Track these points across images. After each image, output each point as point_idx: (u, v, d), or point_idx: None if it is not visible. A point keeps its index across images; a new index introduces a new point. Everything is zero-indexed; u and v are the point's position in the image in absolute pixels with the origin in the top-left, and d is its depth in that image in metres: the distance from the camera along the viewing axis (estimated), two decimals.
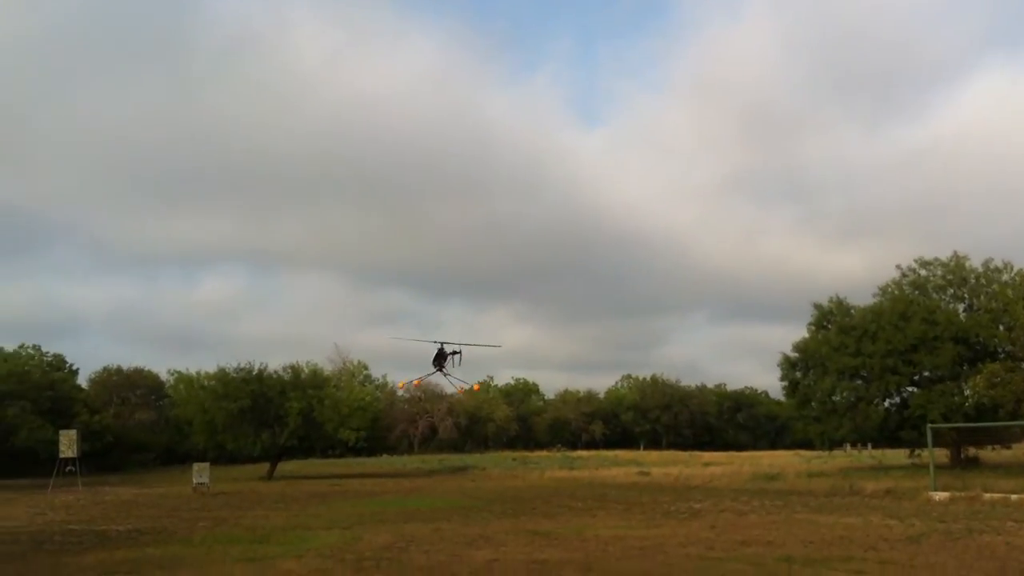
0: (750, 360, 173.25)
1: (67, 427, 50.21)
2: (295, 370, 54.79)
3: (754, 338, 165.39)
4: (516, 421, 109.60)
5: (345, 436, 53.55)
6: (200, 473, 40.22)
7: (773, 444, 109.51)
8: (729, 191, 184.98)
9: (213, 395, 52.19)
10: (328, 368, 63.39)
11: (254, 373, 53.49)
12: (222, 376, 53.54)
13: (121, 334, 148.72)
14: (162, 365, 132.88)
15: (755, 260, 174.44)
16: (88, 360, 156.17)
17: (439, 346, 7.98)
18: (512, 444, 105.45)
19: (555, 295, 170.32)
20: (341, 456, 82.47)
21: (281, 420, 52.30)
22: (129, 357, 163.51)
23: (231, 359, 59.71)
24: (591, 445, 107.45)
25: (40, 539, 21.27)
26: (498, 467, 60.39)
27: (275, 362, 55.17)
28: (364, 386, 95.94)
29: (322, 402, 51.66)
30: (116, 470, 66.70)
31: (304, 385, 53.08)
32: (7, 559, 17.75)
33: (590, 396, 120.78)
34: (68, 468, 43.33)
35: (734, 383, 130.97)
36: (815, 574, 14.38)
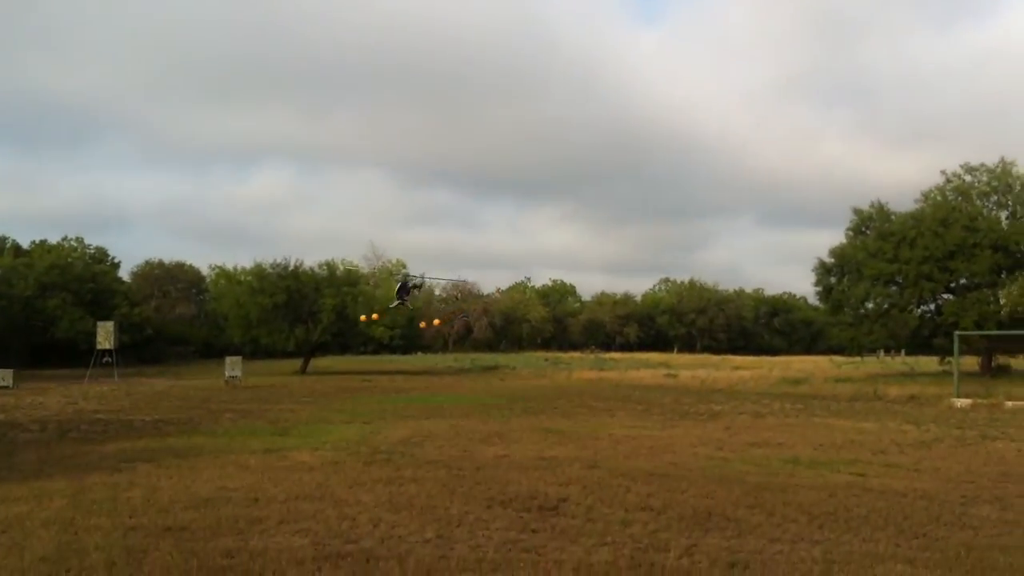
0: (793, 266, 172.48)
1: (107, 319, 51.10)
2: (330, 267, 55.18)
3: (799, 244, 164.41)
4: (551, 322, 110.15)
5: (377, 333, 54.04)
6: (232, 367, 40.84)
7: (808, 350, 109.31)
8: (787, 93, 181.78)
9: (249, 290, 52.75)
10: (363, 266, 63.67)
11: (290, 269, 53.93)
12: (258, 271, 54.03)
13: (168, 228, 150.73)
14: (207, 260, 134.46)
15: (809, 165, 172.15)
16: (134, 254, 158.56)
17: (403, 280, 8.06)
18: (546, 345, 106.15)
19: (601, 196, 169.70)
20: (376, 353, 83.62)
21: (315, 316, 52.83)
22: (175, 251, 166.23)
23: (276, 255, 60.03)
24: (625, 347, 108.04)
25: (67, 428, 21.76)
26: (529, 367, 60.85)
27: (317, 258, 55.43)
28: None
29: (356, 299, 52.03)
30: (155, 362, 68.05)
31: (339, 282, 53.45)
32: (31, 446, 18.18)
33: (626, 299, 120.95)
34: (105, 359, 44.17)
35: (775, 289, 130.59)
36: (817, 475, 14.38)
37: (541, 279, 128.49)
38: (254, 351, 67.39)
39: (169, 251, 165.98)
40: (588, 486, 13.12)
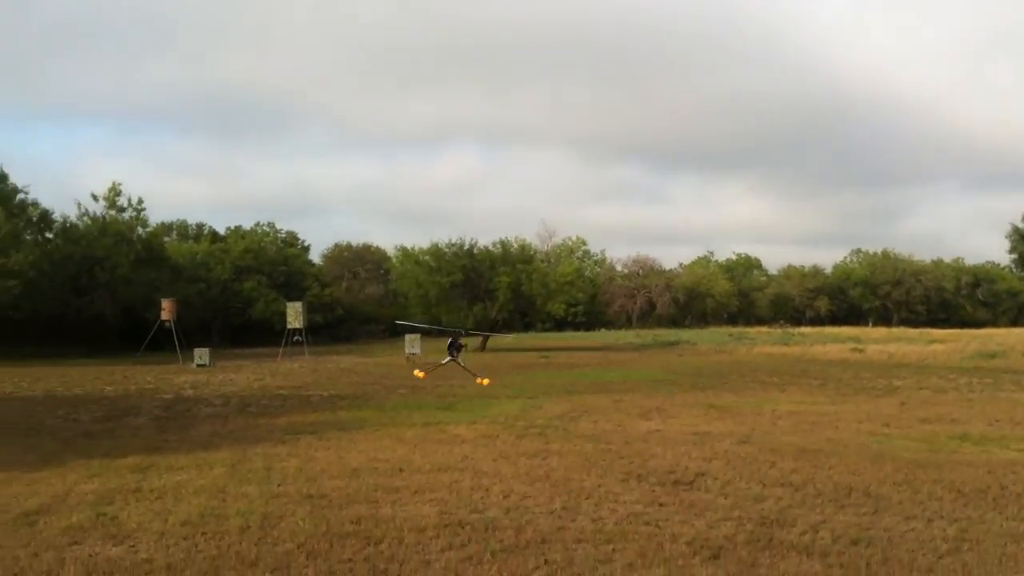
0: (998, 234, 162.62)
1: (299, 300, 53.44)
2: (504, 245, 55.85)
3: (1006, 210, 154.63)
4: (736, 297, 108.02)
5: (554, 310, 54.46)
6: (412, 344, 41.95)
7: (1014, 322, 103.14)
8: (993, 49, 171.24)
9: (427, 270, 54.02)
10: (536, 244, 64.12)
11: (465, 248, 54.93)
12: (435, 251, 55.27)
13: (358, 212, 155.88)
14: (395, 241, 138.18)
15: (1018, 125, 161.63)
16: (325, 238, 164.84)
17: (456, 334, 8.03)
18: (732, 320, 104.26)
19: (790, 166, 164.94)
20: (560, 330, 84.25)
21: (491, 294, 53.66)
22: (365, 234, 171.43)
23: (461, 235, 61.13)
24: (815, 322, 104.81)
25: (247, 402, 22.93)
26: (710, 343, 59.90)
27: (502, 237, 56.07)
28: (583, 261, 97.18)
29: (530, 277, 52.53)
30: (347, 341, 70.62)
31: (513, 260, 54.06)
32: (209, 420, 19.26)
33: (816, 271, 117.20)
34: (296, 338, 46.12)
35: (975, 259, 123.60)
36: (982, 452, 13.65)
37: (725, 253, 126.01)
38: (434, 329, 69.14)
39: (359, 234, 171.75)
40: (732, 461, 12.90)
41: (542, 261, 57.95)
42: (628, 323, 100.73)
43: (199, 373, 35.06)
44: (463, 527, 8.93)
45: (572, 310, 67.62)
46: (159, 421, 19.04)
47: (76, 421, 18.96)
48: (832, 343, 56.68)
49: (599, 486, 11.14)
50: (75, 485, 11.44)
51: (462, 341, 6.44)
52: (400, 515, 9.54)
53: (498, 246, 55.77)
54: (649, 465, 12.57)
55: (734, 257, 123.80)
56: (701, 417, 18.50)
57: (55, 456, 14.00)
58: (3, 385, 28.90)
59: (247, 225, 77.98)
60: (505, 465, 12.72)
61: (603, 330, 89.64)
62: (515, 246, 56.54)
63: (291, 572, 7.43)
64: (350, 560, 7.78)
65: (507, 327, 70.49)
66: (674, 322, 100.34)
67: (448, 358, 6.35)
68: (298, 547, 8.22)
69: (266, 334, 59.68)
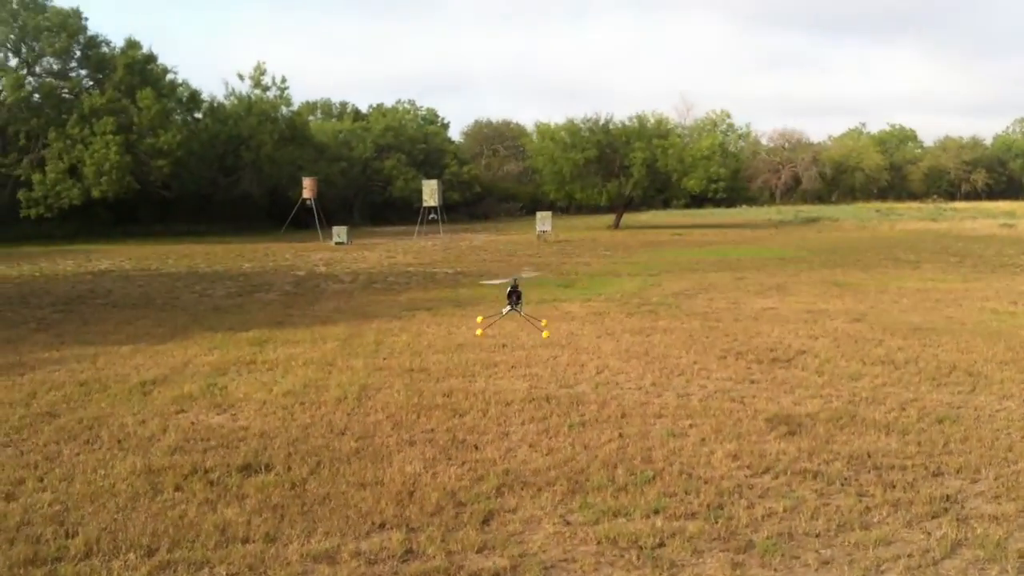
0: None
1: (439, 178, 54.08)
2: (640, 120, 54.90)
3: None
4: (888, 170, 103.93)
5: (690, 186, 53.57)
6: (543, 221, 42.10)
7: None
8: None
9: (562, 146, 53.66)
10: (674, 118, 62.67)
11: (600, 124, 54.26)
12: (571, 127, 54.77)
13: (502, 88, 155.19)
14: (537, 118, 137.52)
15: None
16: (466, 115, 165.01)
17: (514, 281, 7.73)
18: (883, 195, 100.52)
19: (960, 28, 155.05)
20: (699, 206, 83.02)
21: (626, 170, 53.08)
22: (507, 111, 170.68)
23: (604, 110, 60.16)
24: (972, 196, 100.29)
25: (374, 279, 23.60)
26: (854, 219, 58.18)
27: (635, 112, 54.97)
28: (726, 135, 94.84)
29: (666, 152, 51.63)
30: (486, 218, 71.33)
31: (649, 135, 53.15)
32: (335, 296, 19.95)
33: (975, 143, 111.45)
34: (431, 216, 46.79)
35: None
36: None
37: (879, 125, 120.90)
38: (569, 206, 69.14)
39: (502, 112, 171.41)
40: (839, 339, 12.71)
41: (679, 136, 56.67)
42: (772, 199, 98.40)
43: (336, 250, 36.10)
44: (549, 401, 9.12)
45: (713, 186, 66.23)
46: (287, 296, 19.82)
47: (210, 296, 19.90)
48: (984, 218, 54.40)
49: (695, 363, 11.16)
50: (195, 357, 12.10)
51: (520, 288, 6.36)
52: (491, 389, 9.79)
53: (634, 121, 54.84)
54: (752, 343, 12.50)
55: (888, 129, 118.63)
56: (821, 295, 18.17)
57: (183, 330, 14.79)
58: (149, 262, 30.45)
59: (388, 103, 78.82)
60: (607, 342, 12.84)
61: (744, 207, 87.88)
62: (651, 121, 55.50)
63: (375, 440, 7.76)
64: (432, 430, 8.08)
65: (644, 204, 69.90)
66: (820, 198, 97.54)
67: (508, 307, 6.33)
68: (387, 417, 8.56)
69: (405, 212, 60.66)
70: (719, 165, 60.74)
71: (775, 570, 5.03)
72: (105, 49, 49.51)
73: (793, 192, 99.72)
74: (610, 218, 55.76)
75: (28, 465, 7.13)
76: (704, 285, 20.52)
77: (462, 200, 70.48)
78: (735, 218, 65.18)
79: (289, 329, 14.69)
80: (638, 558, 5.20)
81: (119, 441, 7.86)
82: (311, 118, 72.01)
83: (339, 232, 41.00)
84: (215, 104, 56.56)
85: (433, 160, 69.78)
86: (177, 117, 51.95)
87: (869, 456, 7.08)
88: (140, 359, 12.03)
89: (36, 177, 44.27)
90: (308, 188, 46.53)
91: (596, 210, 65.08)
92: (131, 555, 5.30)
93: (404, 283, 22.49)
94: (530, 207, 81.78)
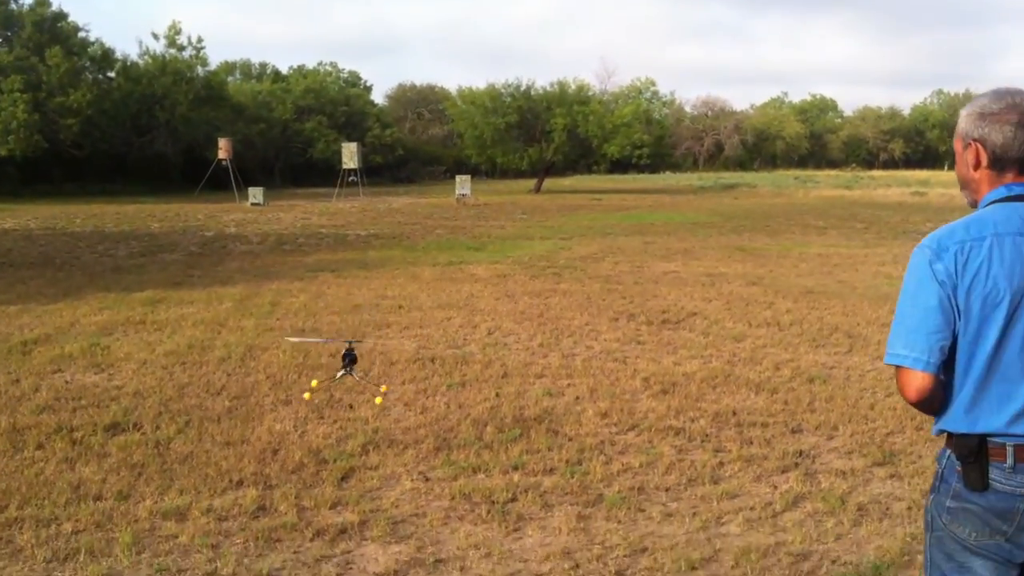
0: None
1: (361, 141, 53.55)
2: (561, 86, 54.94)
3: None
4: (808, 139, 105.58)
5: (610, 152, 53.83)
6: (462, 185, 42.00)
7: None
8: None
9: (483, 111, 53.51)
10: (595, 84, 62.63)
11: (522, 89, 54.18)
12: (491, 92, 54.60)
13: (430, 53, 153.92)
14: (464, 84, 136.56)
15: None
16: (391, 79, 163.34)
17: (349, 345, 7.48)
18: (803, 163, 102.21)
19: (884, 4, 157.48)
20: (624, 172, 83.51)
21: (547, 136, 53.14)
22: (433, 77, 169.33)
23: (528, 77, 59.99)
24: (889, 165, 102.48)
25: (284, 241, 23.36)
26: (772, 186, 58.99)
27: (558, 78, 54.92)
28: (650, 103, 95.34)
29: (586, 118, 51.75)
30: (408, 182, 70.84)
31: (570, 100, 53.22)
32: (241, 256, 19.73)
33: (892, 113, 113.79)
34: (351, 178, 46.36)
35: None
36: None
37: (801, 95, 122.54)
38: (500, 171, 69.05)
39: (428, 76, 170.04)
40: (731, 302, 12.93)
41: (600, 102, 56.80)
42: (695, 166, 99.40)
43: (250, 212, 35.63)
44: (433, 361, 9.14)
45: (637, 152, 66.50)
46: (191, 257, 19.54)
47: (111, 257, 19.54)
48: (898, 186, 55.53)
49: (587, 324, 11.27)
50: (83, 317, 11.88)
51: (356, 352, 6.27)
52: (379, 349, 9.78)
53: (555, 87, 54.86)
54: (647, 305, 12.65)
55: (809, 98, 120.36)
56: (724, 260, 18.44)
57: (77, 290, 14.51)
58: (56, 221, 29.75)
59: (310, 65, 77.67)
60: (505, 304, 12.90)
61: (668, 172, 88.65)
62: (572, 87, 55.55)
63: (249, 400, 7.71)
64: (312, 389, 8.04)
65: (569, 169, 70.09)
66: (742, 165, 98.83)
67: (341, 371, 6.21)
68: (267, 378, 8.51)
69: (327, 174, 59.99)
70: (642, 132, 61.09)
71: (619, 522, 5.12)
72: (13, 6, 48.08)
73: (716, 159, 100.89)
74: (533, 183, 55.82)
75: None
76: (612, 249, 20.69)
77: (385, 163, 69.97)
78: (656, 183, 65.64)
79: (186, 290, 14.50)
80: (488, 512, 5.25)
81: None
82: (230, 78, 70.62)
83: (255, 193, 40.48)
84: (128, 63, 55.17)
85: (355, 123, 69.08)
86: (88, 76, 50.60)
87: (734, 414, 7.23)
88: (26, 319, 11.78)
89: None
90: (223, 149, 45.79)
91: (520, 175, 65.10)
92: None
93: (314, 245, 22.31)
94: (455, 171, 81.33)
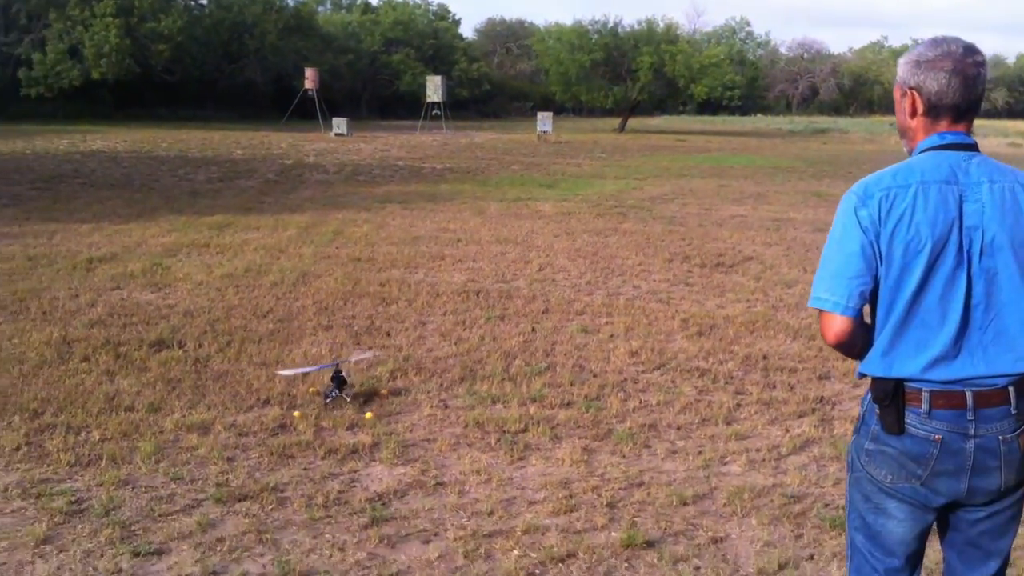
0: None
1: (447, 74, 53.61)
2: (649, 24, 54.08)
3: None
4: None
5: (697, 93, 53.00)
6: (543, 122, 41.81)
7: None
8: None
9: (569, 47, 53.01)
10: (684, 24, 61.51)
11: (608, 27, 53.48)
12: (578, 29, 54.01)
13: None
14: (557, 18, 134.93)
15: None
16: (479, 13, 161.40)
17: (336, 366, 7.11)
18: None
19: None
20: (714, 113, 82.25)
21: (633, 74, 52.48)
22: (527, 10, 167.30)
23: (629, 14, 59.14)
24: (992, 115, 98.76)
25: (359, 171, 23.64)
26: (865, 132, 57.58)
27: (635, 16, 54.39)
28: (744, 43, 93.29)
29: (673, 57, 50.93)
30: (494, 117, 70.83)
31: (658, 39, 52.40)
32: (314, 185, 20.05)
33: (996, 61, 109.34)
34: (434, 112, 46.48)
35: None
36: None
37: (902, 40, 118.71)
38: (587, 109, 68.57)
39: (524, 11, 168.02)
40: (791, 248, 12.82)
41: (688, 42, 55.77)
42: (788, 109, 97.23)
43: (332, 142, 36.05)
44: (478, 295, 9.27)
45: (728, 93, 65.30)
46: (267, 184, 19.92)
47: (190, 181, 20.02)
48: (995, 136, 53.73)
49: (639, 264, 11.27)
50: (151, 238, 12.27)
51: (344, 374, 6.25)
52: (428, 280, 9.94)
53: (643, 25, 54.04)
54: (704, 248, 12.59)
55: (910, 43, 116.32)
56: (796, 205, 18.17)
57: (151, 211, 14.95)
58: (143, 144, 30.51)
59: None
60: (563, 241, 12.94)
61: (759, 116, 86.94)
62: (661, 26, 54.64)
63: (292, 324, 7.94)
64: (353, 317, 8.25)
65: (658, 109, 69.20)
66: (837, 110, 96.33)
67: (332, 395, 6.09)
68: (314, 303, 8.72)
69: (413, 107, 60.22)
70: (733, 73, 59.90)
71: (623, 456, 5.21)
72: None
73: (810, 103, 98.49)
74: (618, 121, 55.30)
75: None
76: (685, 191, 20.51)
77: (471, 97, 69.93)
78: (745, 126, 64.63)
79: (254, 215, 14.83)
80: (497, 441, 5.38)
81: (44, 313, 8.06)
82: (320, 8, 71.03)
83: (339, 124, 40.85)
84: None
85: (443, 56, 69.03)
86: (180, 2, 51.37)
87: (765, 358, 7.23)
88: (97, 237, 12.21)
89: (36, 57, 44.17)
90: (310, 79, 46.12)
91: (606, 113, 64.59)
92: (16, 418, 5.51)
93: (388, 176, 22.53)
94: (541, 107, 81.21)
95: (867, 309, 2.50)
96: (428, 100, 46.14)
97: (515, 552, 4.10)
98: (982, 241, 2.38)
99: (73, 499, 4.50)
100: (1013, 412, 2.43)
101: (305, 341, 7.39)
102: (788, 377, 6.76)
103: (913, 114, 2.51)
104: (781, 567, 4.01)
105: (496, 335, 7.76)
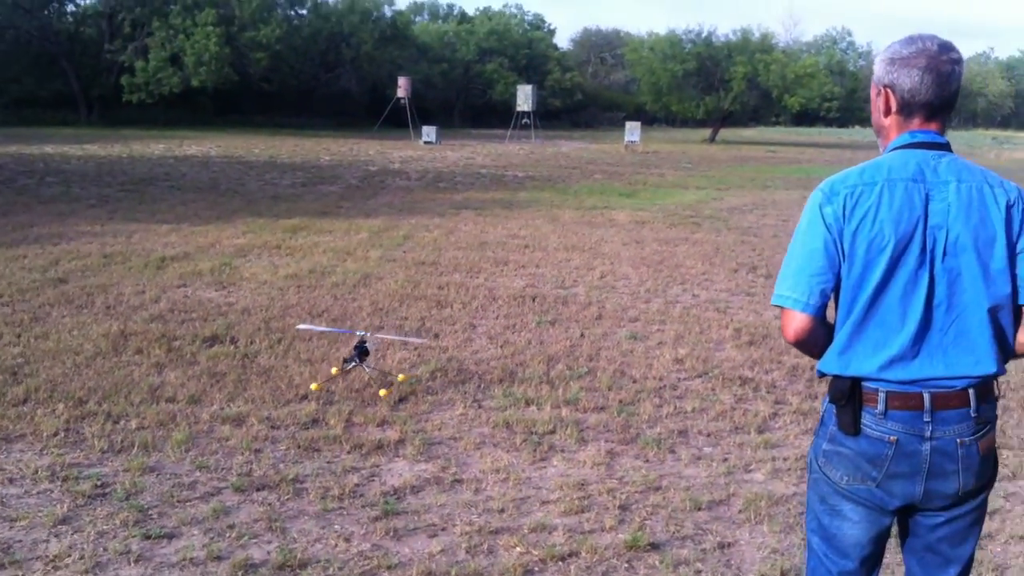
0: None
1: (539, 84, 53.85)
2: (744, 34, 53.51)
3: None
4: (1013, 97, 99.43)
5: (791, 103, 52.23)
6: (631, 132, 41.67)
7: None
8: None
9: (661, 57, 52.77)
10: (780, 33, 60.67)
11: (703, 36, 53.12)
12: (671, 38, 53.74)
13: None
14: (652, 27, 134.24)
15: None
16: (575, 23, 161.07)
17: (361, 339, 7.05)
18: (1005, 123, 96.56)
19: None
20: (811, 125, 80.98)
21: (725, 84, 51.98)
22: (623, 19, 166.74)
23: (723, 23, 58.60)
24: None
25: (442, 178, 23.89)
26: (965, 144, 55.97)
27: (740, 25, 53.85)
28: (845, 53, 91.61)
29: (768, 67, 50.29)
30: (587, 127, 70.89)
31: (752, 48, 51.80)
32: (394, 191, 20.33)
33: None
34: (524, 121, 46.70)
35: None
36: None
37: (1010, 52, 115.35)
38: (680, 120, 68.17)
39: (620, 20, 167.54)
40: None
41: (783, 52, 54.99)
42: None
43: (420, 149, 36.46)
44: (534, 299, 9.30)
45: (826, 105, 64.29)
46: (348, 189, 20.25)
47: (274, 185, 20.46)
48: None
49: (703, 273, 11.18)
50: (225, 239, 12.58)
51: (371, 346, 6.29)
52: (487, 285, 10.01)
53: (738, 34, 53.50)
54: (774, 259, 12.39)
55: (1018, 55, 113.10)
56: None
57: (231, 214, 15.32)
58: (236, 149, 31.30)
59: (496, 7, 78.27)
60: (630, 249, 12.91)
61: (857, 127, 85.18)
62: (756, 35, 54.02)
63: (344, 322, 8.07)
64: (405, 318, 8.35)
65: (753, 120, 68.36)
66: None
67: (353, 362, 6.17)
68: (371, 304, 8.86)
69: (504, 116, 60.45)
70: (831, 84, 58.90)
71: (646, 461, 5.19)
72: None
73: None
74: (704, 132, 54.83)
75: (13, 323, 7.64)
76: (766, 202, 20.27)
77: (563, 107, 70.12)
78: (842, 138, 63.50)
79: (329, 219, 15.09)
80: (522, 442, 5.40)
81: (108, 307, 8.34)
82: (416, 18, 71.99)
83: (428, 132, 41.28)
84: (318, 1, 56.99)
85: (536, 66, 69.38)
86: (279, 12, 52.59)
87: (813, 368, 7.09)
88: (174, 237, 12.57)
89: (139, 64, 45.73)
90: (402, 87, 46.73)
91: (699, 124, 64.09)
92: (60, 405, 5.71)
93: (468, 184, 22.70)
94: (633, 117, 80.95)
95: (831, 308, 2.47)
96: (518, 109, 46.37)
97: (518, 549, 4.12)
98: (946, 241, 2.34)
99: (98, 483, 4.65)
100: (972, 415, 2.39)
101: (354, 340, 7.49)
102: None
103: (887, 112, 2.48)
104: (783, 575, 3.95)
105: (544, 339, 7.78)
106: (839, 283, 2.40)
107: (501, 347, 7.49)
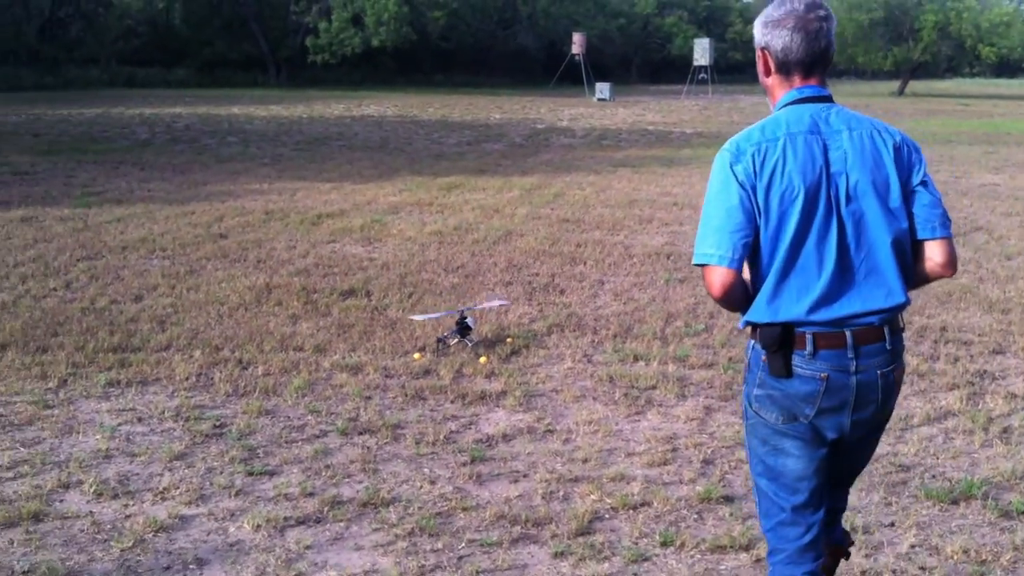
0: None
1: (720, 37, 52.76)
2: None
3: None
4: None
5: (984, 54, 49.34)
6: (601, 90, 41.06)
7: None
8: None
9: (846, 6, 50.72)
10: None
11: None
12: None
13: None
14: None
15: None
16: None
17: (462, 314, 6.80)
18: None
19: None
20: (1012, 76, 76.52)
21: (915, 34, 49.56)
22: None
23: None
24: None
25: (606, 135, 23.90)
26: None
27: None
28: None
29: (960, 16, 47.64)
30: None
31: None
32: (555, 149, 20.52)
33: None
34: (701, 76, 45.95)
35: None
36: None
37: None
38: (872, 72, 65.63)
39: None
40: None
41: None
42: None
43: (592, 106, 36.42)
44: (668, 257, 9.35)
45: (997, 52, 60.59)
46: (511, 147, 20.56)
47: (440, 144, 20.97)
48: None
49: None
50: (382, 196, 13.08)
51: (468, 321, 6.28)
52: (625, 243, 10.10)
53: None
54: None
55: None
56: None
57: (392, 172, 15.86)
58: (411, 109, 32.13)
59: None
60: None
61: None
62: None
63: (476, 278, 8.35)
64: (536, 275, 8.55)
65: (950, 71, 65.06)
66: None
67: (456, 339, 6.15)
68: (506, 260, 9.11)
69: (684, 71, 59.43)
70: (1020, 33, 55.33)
71: (734, 414, 5.23)
72: None
73: None
74: (893, 84, 52.51)
75: (170, 275, 8.24)
76: (943, 157, 19.38)
77: (746, 60, 68.21)
78: None
79: (486, 177, 15.42)
80: (622, 396, 5.53)
81: (259, 261, 8.87)
82: None
83: (602, 88, 41.18)
84: None
85: (717, 18, 67.95)
86: None
87: (944, 329, 6.94)
88: (334, 195, 13.14)
89: (323, 25, 47.27)
90: (577, 44, 46.67)
91: (891, 75, 61.42)
92: (197, 352, 6.19)
93: (632, 141, 22.63)
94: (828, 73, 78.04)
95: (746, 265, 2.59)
96: (695, 64, 45.60)
97: (591, 497, 4.27)
98: (847, 186, 2.52)
99: (217, 423, 5.06)
100: (888, 348, 2.60)
101: (480, 295, 7.76)
102: (957, 350, 6.47)
103: (768, 72, 2.67)
104: (853, 530, 3.96)
105: (668, 297, 7.85)
106: (757, 237, 2.53)
107: (624, 304, 7.60)
